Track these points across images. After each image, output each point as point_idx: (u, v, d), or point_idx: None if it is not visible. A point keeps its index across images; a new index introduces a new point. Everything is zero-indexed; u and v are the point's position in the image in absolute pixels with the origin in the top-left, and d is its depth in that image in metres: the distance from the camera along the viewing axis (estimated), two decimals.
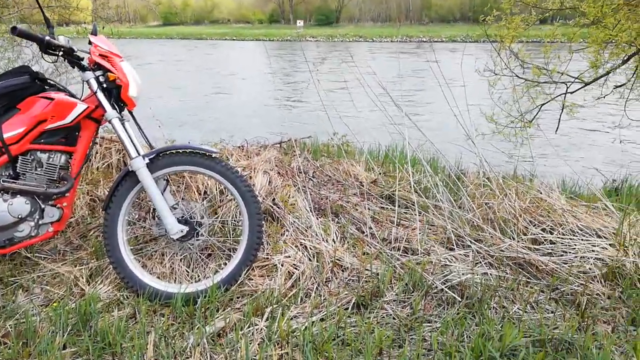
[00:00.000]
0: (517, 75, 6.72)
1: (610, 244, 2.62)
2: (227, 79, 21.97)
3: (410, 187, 3.32)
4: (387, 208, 3.30)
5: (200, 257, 2.63)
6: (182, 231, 2.38)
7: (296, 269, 2.56)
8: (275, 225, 2.95)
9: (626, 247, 2.57)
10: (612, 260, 2.52)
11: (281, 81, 20.30)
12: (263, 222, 2.56)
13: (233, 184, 2.42)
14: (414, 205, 3.19)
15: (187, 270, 2.59)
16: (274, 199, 3.19)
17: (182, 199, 2.82)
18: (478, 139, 6.04)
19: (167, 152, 2.39)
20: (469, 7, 58.15)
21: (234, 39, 57.96)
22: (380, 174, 4.01)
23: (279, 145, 4.97)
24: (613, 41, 6.91)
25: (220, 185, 3.07)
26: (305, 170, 4.05)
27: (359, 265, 2.64)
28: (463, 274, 2.51)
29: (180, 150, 2.40)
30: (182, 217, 2.45)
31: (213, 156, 2.42)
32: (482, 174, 3.57)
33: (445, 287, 2.43)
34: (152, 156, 2.37)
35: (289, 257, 2.63)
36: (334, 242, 2.83)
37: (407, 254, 2.75)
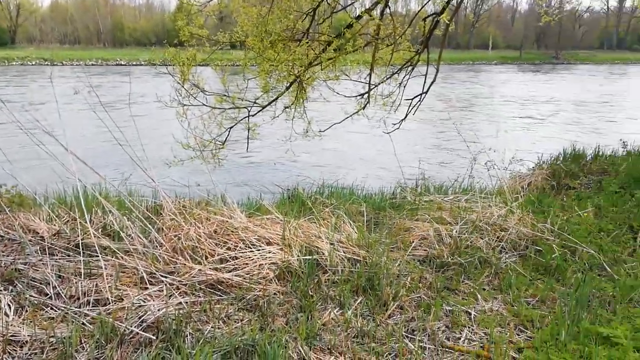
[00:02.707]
0: (203, 104, 7.21)
1: (280, 248, 3.14)
2: None
3: (98, 231, 3.18)
4: (74, 260, 3.05)
5: None
6: None
7: None
8: None
9: (291, 247, 3.13)
10: (282, 261, 3.03)
11: None
12: None
13: None
14: (105, 251, 3.07)
15: None
16: None
17: None
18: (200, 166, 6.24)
19: None
20: (163, 32, 58.80)
21: None
22: (67, 221, 3.68)
23: None
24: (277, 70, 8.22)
25: None
26: None
27: (42, 334, 2.37)
28: (159, 310, 2.56)
29: None
30: None
31: None
32: (179, 204, 3.71)
33: (141, 329, 2.43)
34: None
35: None
36: (7, 316, 2.45)
37: (98, 305, 2.63)
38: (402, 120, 9.65)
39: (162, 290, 2.75)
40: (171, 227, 3.20)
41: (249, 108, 8.48)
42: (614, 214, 4.32)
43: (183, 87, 6.89)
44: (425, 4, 9.78)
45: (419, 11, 10.03)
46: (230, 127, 7.77)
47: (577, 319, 2.64)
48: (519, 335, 2.64)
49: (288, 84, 9.10)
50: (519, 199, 4.24)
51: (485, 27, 72.41)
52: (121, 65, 49.96)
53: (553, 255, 3.46)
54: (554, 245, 3.55)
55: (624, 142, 7.14)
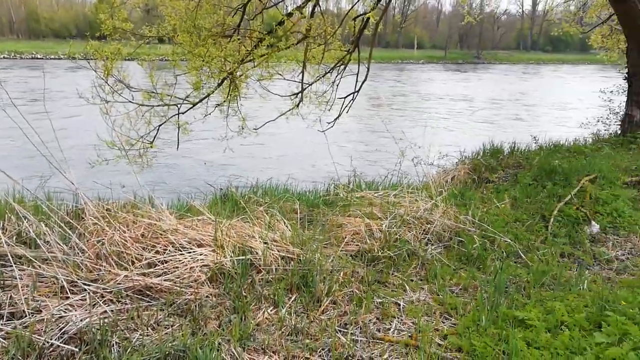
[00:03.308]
0: (129, 101, 6.89)
1: (212, 250, 3.09)
2: None
3: (12, 239, 2.95)
4: None
5: None
6: None
7: None
8: None
9: (223, 248, 3.09)
10: (214, 263, 2.98)
11: None
12: None
13: None
14: (20, 260, 2.85)
15: None
16: None
17: None
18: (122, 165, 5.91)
19: None
20: (85, 24, 55.18)
21: None
22: None
23: None
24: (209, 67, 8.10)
25: None
26: None
27: None
28: (81, 320, 2.43)
29: None
30: None
31: None
32: (102, 207, 3.52)
33: (62, 341, 2.29)
34: None
35: None
36: None
37: (13, 319, 2.44)
38: (336, 118, 9.82)
39: (85, 299, 2.61)
40: (94, 232, 3.03)
41: (179, 105, 8.23)
42: (528, 205, 4.67)
43: (107, 82, 6.54)
44: (355, 4, 9.93)
45: (349, 11, 10.19)
46: (159, 125, 7.50)
47: (495, 304, 2.83)
48: (444, 322, 2.79)
49: (220, 81, 8.92)
50: (443, 193, 4.46)
51: (412, 27, 75.30)
52: (37, 59, 46.47)
53: (474, 246, 3.68)
54: (474, 236, 3.78)
55: (535, 137, 7.74)
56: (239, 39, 8.42)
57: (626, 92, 7.97)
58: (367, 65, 9.13)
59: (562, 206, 4.46)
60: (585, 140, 7.82)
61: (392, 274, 3.34)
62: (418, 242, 3.74)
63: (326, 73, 9.18)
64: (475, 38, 69.55)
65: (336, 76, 9.17)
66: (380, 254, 3.50)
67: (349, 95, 9.40)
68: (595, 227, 4.32)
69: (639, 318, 2.61)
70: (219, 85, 8.29)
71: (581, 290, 3.11)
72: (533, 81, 40.59)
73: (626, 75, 7.92)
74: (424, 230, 3.92)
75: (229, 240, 3.14)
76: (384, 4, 9.52)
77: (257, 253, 3.15)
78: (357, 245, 3.65)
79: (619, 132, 8.05)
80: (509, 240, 3.84)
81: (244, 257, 3.03)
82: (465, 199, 4.85)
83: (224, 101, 8.39)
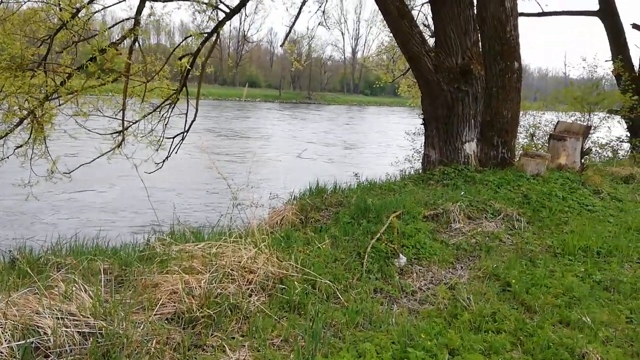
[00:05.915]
0: None
1: None
2: None
3: None
4: None
5: None
6: None
7: None
8: None
9: None
10: None
11: None
12: None
13: None
14: None
15: None
16: None
17: None
18: None
19: None
20: None
21: None
22: None
23: None
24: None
25: None
26: None
27: None
28: None
29: None
30: None
31: None
32: None
33: None
34: None
35: None
36: None
37: None
38: (165, 159, 9.29)
39: None
40: None
41: None
42: (347, 243, 4.95)
43: None
44: (179, 45, 9.70)
45: (174, 50, 9.90)
46: None
47: (312, 354, 2.85)
48: None
49: (19, 121, 7.80)
50: (268, 239, 4.44)
51: (248, 66, 77.73)
52: None
53: (296, 291, 3.72)
54: (296, 282, 3.83)
55: (356, 175, 8.42)
56: (43, 72, 7.49)
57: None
58: (195, 106, 8.93)
59: (374, 242, 4.84)
60: (394, 177, 8.76)
61: (212, 335, 3.15)
62: (241, 294, 3.63)
63: (153, 111, 8.70)
64: (306, 80, 74.77)
65: (164, 114, 8.76)
66: (199, 313, 3.28)
67: (178, 134, 9.04)
68: (402, 260, 4.77)
69: (436, 349, 2.90)
70: (17, 125, 7.20)
71: (390, 327, 3.34)
72: (358, 121, 45.09)
73: (423, 120, 9.20)
74: (247, 281, 3.82)
75: (6, 322, 2.60)
76: (211, 45, 9.53)
77: (46, 333, 2.66)
78: (173, 306, 3.36)
79: (421, 170, 9.25)
80: (329, 282, 3.97)
81: (25, 342, 2.52)
82: (291, 241, 4.92)
83: (25, 143, 7.32)
